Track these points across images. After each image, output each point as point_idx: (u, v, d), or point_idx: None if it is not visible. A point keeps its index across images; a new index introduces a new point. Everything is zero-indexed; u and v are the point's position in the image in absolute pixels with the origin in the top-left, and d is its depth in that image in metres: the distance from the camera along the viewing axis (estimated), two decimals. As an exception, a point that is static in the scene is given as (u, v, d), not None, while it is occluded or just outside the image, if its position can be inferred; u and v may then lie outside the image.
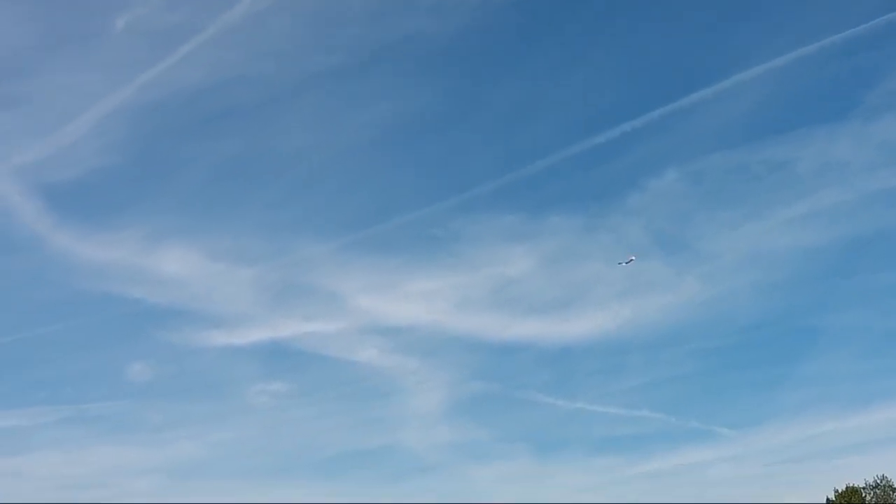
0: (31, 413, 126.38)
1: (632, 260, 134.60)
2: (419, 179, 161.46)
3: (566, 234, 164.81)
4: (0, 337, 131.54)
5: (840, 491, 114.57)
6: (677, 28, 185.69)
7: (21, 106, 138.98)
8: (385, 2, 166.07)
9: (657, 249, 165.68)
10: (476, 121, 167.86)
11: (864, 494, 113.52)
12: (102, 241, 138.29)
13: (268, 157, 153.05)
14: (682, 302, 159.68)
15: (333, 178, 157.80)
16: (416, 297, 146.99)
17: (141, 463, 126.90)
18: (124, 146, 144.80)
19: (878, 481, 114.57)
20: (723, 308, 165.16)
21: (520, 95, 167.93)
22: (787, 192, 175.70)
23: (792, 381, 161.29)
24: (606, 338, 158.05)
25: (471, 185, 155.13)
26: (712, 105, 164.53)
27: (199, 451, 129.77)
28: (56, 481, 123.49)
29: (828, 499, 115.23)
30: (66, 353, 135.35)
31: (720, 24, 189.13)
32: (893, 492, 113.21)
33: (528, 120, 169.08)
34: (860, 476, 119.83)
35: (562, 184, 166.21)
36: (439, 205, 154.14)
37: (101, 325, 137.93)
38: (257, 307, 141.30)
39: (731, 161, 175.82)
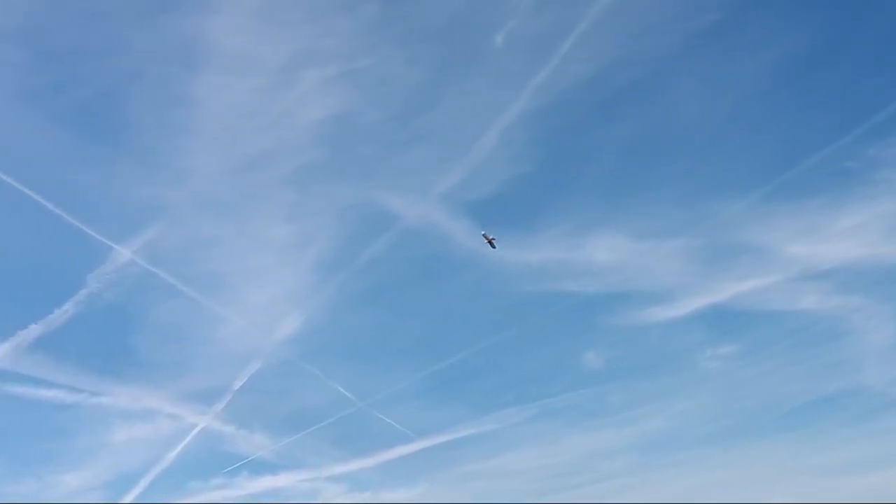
0: (504, 415, 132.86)
1: (492, 239, 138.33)
2: (821, 116, 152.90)
3: None
4: (464, 349, 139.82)
5: None
6: None
7: (432, 137, 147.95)
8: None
9: None
10: (866, 46, 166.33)
11: None
12: (531, 245, 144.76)
13: (667, 128, 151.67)
14: None
15: (735, 133, 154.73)
16: (844, 235, 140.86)
17: (611, 444, 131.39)
18: (530, 152, 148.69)
19: None
20: None
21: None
22: None
23: None
24: None
25: (875, 111, 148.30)
26: None
27: (663, 424, 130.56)
28: (537, 473, 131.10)
29: None
30: (523, 354, 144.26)
31: None
32: None
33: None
34: None
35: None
36: (847, 137, 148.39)
37: (548, 322, 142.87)
38: (690, 276, 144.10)
39: None
